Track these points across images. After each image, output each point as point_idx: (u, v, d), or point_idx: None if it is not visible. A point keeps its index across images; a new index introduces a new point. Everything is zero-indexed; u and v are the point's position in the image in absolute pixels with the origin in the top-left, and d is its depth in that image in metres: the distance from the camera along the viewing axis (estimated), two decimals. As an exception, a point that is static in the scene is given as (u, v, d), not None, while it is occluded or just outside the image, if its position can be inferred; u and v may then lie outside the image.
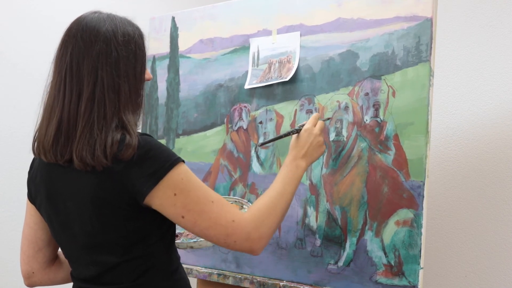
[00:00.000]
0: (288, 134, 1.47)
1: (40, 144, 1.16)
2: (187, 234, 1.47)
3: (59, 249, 1.35)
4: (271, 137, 1.69)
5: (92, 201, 1.13)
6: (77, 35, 1.15)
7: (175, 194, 1.12)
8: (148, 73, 1.24)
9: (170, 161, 1.13)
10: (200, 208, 1.14)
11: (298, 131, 1.44)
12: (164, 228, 1.20)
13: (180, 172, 1.13)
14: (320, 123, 1.44)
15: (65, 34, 1.18)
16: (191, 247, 1.44)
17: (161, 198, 1.12)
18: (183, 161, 1.15)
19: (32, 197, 1.27)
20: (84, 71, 1.13)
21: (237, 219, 1.16)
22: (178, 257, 1.27)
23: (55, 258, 1.35)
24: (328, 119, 1.57)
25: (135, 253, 1.17)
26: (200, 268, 1.81)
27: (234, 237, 1.16)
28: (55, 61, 1.18)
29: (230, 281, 1.72)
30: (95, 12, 1.20)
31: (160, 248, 1.21)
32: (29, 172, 1.28)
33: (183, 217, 1.14)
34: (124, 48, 1.16)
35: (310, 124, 1.42)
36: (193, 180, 1.15)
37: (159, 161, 1.12)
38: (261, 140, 1.71)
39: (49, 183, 1.21)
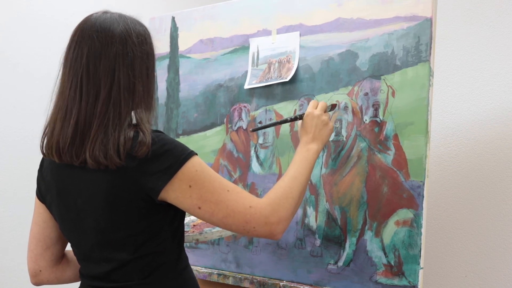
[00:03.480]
0: (284, 121, 1.50)
1: (54, 146, 1.16)
2: (193, 231, 1.48)
3: (66, 248, 1.36)
4: (270, 136, 1.69)
5: (106, 199, 1.14)
6: (93, 36, 1.15)
7: (190, 186, 1.13)
8: None
9: (184, 154, 1.14)
10: (216, 198, 1.15)
11: (297, 117, 1.46)
12: (175, 225, 1.22)
13: (194, 165, 1.14)
14: (321, 103, 1.45)
15: (77, 34, 1.17)
16: (197, 240, 1.44)
17: (176, 191, 1.13)
18: (196, 154, 1.17)
19: (42, 195, 1.27)
20: (101, 73, 1.14)
21: (254, 204, 1.17)
22: (186, 257, 1.28)
23: (62, 257, 1.35)
24: (333, 105, 1.54)
25: (146, 250, 1.18)
26: (200, 268, 1.81)
27: (253, 223, 1.16)
28: (68, 62, 1.17)
29: (230, 281, 1.72)
30: (106, 12, 1.20)
31: (171, 245, 1.22)
32: (39, 170, 1.29)
33: (199, 208, 1.15)
34: (139, 49, 1.18)
35: (311, 108, 1.44)
36: (207, 171, 1.16)
37: (173, 156, 1.13)
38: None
39: (59, 182, 1.21)
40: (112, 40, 1.15)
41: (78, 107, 1.14)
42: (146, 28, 1.23)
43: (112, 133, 1.12)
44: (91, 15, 1.20)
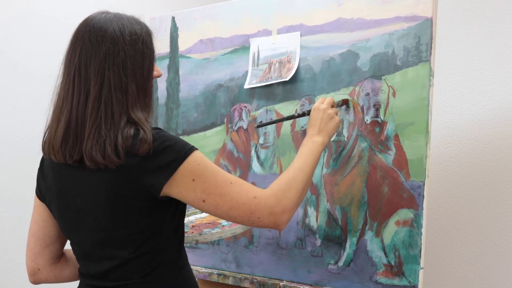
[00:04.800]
0: (291, 117, 1.51)
1: (50, 145, 1.17)
2: (192, 232, 1.48)
3: (65, 247, 1.36)
4: (271, 136, 1.69)
5: (107, 198, 1.14)
6: (85, 36, 1.16)
7: (193, 180, 1.14)
8: (157, 70, 1.25)
9: (185, 150, 1.15)
10: (220, 191, 1.15)
11: (305, 113, 1.48)
12: (175, 222, 1.22)
13: (196, 159, 1.15)
14: (328, 98, 1.46)
15: (74, 35, 1.19)
16: (196, 241, 1.44)
17: (179, 186, 1.14)
18: (197, 149, 1.17)
19: (42, 194, 1.28)
20: (91, 72, 1.14)
21: (258, 195, 1.18)
22: (186, 256, 1.29)
23: (61, 255, 1.35)
24: (343, 101, 1.54)
25: (147, 248, 1.18)
26: (200, 268, 1.81)
27: (258, 213, 1.17)
28: (65, 62, 1.19)
29: (230, 281, 1.72)
30: (103, 13, 1.21)
31: (172, 244, 1.22)
32: (39, 169, 1.29)
33: (204, 201, 1.15)
34: (131, 48, 1.17)
35: (318, 102, 1.45)
36: (209, 165, 1.17)
37: (174, 152, 1.14)
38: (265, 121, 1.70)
39: (59, 181, 1.22)
40: (103, 39, 1.15)
41: (69, 107, 1.15)
42: (144, 27, 1.22)
43: (107, 133, 1.12)
44: (89, 16, 1.20)
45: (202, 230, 1.48)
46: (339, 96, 1.57)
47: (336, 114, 1.44)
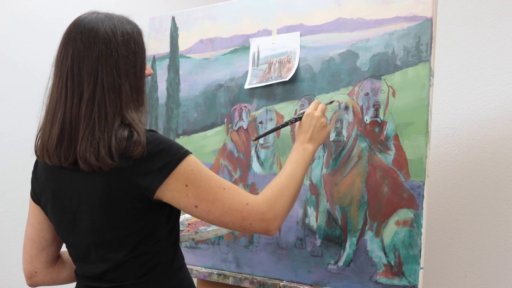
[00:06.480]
0: (285, 124, 1.50)
1: (44, 148, 1.17)
2: (188, 230, 1.48)
3: (62, 249, 1.35)
4: (271, 136, 1.69)
5: (102, 200, 1.14)
6: (77, 38, 1.15)
7: (186, 185, 1.14)
8: (148, 69, 1.25)
9: (179, 154, 1.14)
10: (212, 197, 1.15)
11: (297, 119, 1.47)
12: (170, 224, 1.22)
13: (190, 164, 1.15)
14: (321, 105, 1.46)
15: (65, 36, 1.18)
16: (193, 239, 1.44)
17: (172, 191, 1.14)
18: (191, 153, 1.17)
19: (37, 196, 1.27)
20: (84, 73, 1.14)
21: (251, 201, 1.18)
22: (182, 256, 1.28)
23: (57, 258, 1.35)
24: (331, 102, 1.56)
25: (142, 249, 1.18)
26: (200, 268, 1.81)
27: (250, 219, 1.18)
28: (56, 63, 1.18)
29: (230, 281, 1.72)
30: (93, 13, 1.20)
31: (166, 245, 1.22)
32: (34, 172, 1.29)
33: (196, 206, 1.15)
34: (124, 48, 1.17)
35: (311, 108, 1.45)
36: (203, 170, 1.16)
37: (168, 155, 1.13)
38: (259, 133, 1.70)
39: (54, 183, 1.21)
40: (95, 40, 1.15)
41: (63, 109, 1.14)
42: (135, 27, 1.22)
43: (100, 134, 1.11)
44: (79, 17, 1.20)
45: (198, 228, 1.48)
46: (337, 96, 1.57)
47: (328, 123, 1.46)
